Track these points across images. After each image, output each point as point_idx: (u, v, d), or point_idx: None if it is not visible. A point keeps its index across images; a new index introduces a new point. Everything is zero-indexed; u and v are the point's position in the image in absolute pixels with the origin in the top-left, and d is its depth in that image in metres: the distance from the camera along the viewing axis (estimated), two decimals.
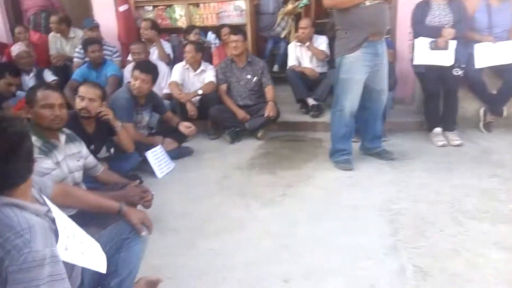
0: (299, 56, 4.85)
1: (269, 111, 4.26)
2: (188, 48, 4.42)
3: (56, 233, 1.37)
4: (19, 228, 1.23)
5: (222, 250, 2.35)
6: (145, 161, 3.54)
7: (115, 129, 3.17)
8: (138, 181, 2.76)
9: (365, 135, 3.66)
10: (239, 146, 4.25)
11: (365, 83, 3.30)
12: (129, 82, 3.71)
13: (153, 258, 2.20)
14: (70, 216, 2.23)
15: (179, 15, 5.60)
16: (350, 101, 3.31)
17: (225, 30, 4.99)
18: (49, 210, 1.42)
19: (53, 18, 5.23)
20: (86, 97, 2.93)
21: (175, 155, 3.88)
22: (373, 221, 2.58)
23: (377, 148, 3.62)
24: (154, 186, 3.01)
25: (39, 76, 4.78)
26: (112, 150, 3.60)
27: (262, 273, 2.12)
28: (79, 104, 2.93)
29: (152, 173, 3.49)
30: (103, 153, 3.32)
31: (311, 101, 4.63)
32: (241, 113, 4.36)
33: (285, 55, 5.47)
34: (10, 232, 1.23)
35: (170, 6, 5.58)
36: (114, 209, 1.87)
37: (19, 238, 1.22)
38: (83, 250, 1.47)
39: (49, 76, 4.93)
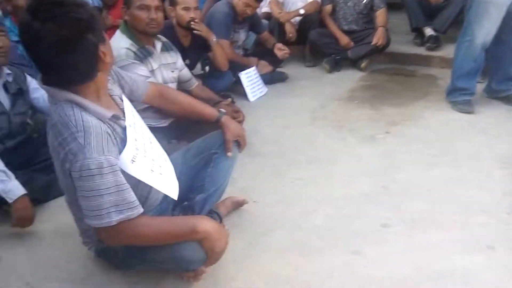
0: None
1: (378, 38, 3.76)
2: None
3: (123, 143, 1.26)
4: (74, 130, 1.15)
5: (311, 181, 2.16)
6: (238, 82, 3.39)
7: (210, 45, 3.00)
8: (230, 99, 2.61)
9: (494, 75, 3.05)
10: (337, 76, 3.88)
11: (508, 9, 2.66)
12: None
13: (240, 180, 2.09)
14: (161, 128, 2.23)
15: None
16: (485, 30, 2.71)
17: None
18: (119, 117, 1.28)
19: None
20: (191, 7, 2.75)
21: (269, 79, 3.66)
22: (494, 175, 2.16)
23: (506, 91, 3.02)
24: (245, 109, 2.84)
25: None
26: (207, 68, 3.49)
27: (355, 213, 1.89)
28: (186, 15, 2.74)
29: (244, 95, 3.33)
30: (197, 70, 3.22)
31: (429, 31, 4.00)
32: (344, 39, 3.92)
33: None
34: (67, 132, 1.15)
35: None
36: (212, 116, 1.69)
37: (74, 141, 1.14)
38: (153, 168, 1.35)
39: None
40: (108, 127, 1.22)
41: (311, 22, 3.99)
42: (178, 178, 1.60)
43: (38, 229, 1.80)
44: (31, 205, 1.77)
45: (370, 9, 3.98)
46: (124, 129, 1.29)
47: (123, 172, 1.21)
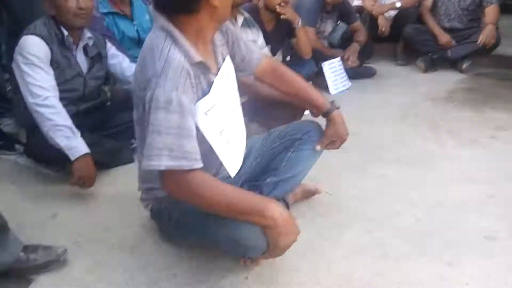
0: None
1: (485, 35, 3.28)
2: None
3: (203, 94, 1.14)
4: (157, 56, 1.08)
5: (399, 180, 1.84)
6: (320, 73, 3.15)
7: (294, 30, 2.81)
8: (310, 82, 2.37)
9: None
10: (433, 76, 3.47)
11: None
12: None
13: (314, 170, 1.83)
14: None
15: None
16: None
17: None
18: (208, 68, 1.17)
19: None
20: None
21: (354, 74, 3.37)
22: None
23: None
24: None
25: None
26: (288, 58, 3.31)
27: (453, 221, 1.55)
28: None
29: (325, 88, 3.08)
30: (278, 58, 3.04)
31: None
32: (444, 37, 3.50)
33: None
34: (150, 57, 1.10)
35: None
36: (324, 107, 1.46)
37: (153, 66, 1.07)
38: (223, 132, 1.20)
39: None
40: (192, 70, 1.11)
41: (407, 17, 3.63)
42: (255, 159, 1.48)
43: (97, 192, 1.72)
44: (94, 166, 1.70)
45: (478, 6, 3.51)
46: (210, 83, 1.17)
47: (199, 135, 1.11)
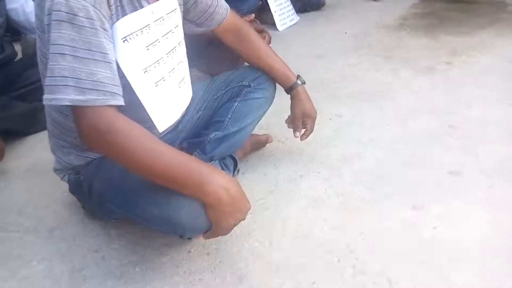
0: None
1: None
2: None
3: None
4: None
5: (355, 118, 1.69)
6: (265, 8, 2.86)
7: None
8: (253, 15, 2.11)
9: None
10: (383, 4, 3.27)
11: None
12: None
13: (265, 117, 1.63)
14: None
15: None
16: None
17: None
18: None
19: None
20: None
21: (301, 6, 3.11)
22: None
23: None
24: (273, 36, 2.36)
25: None
26: None
27: (415, 157, 1.43)
28: None
29: (271, 24, 2.81)
30: None
31: None
32: None
33: None
34: None
35: None
36: (288, 80, 1.27)
37: None
38: (159, 78, 0.96)
39: None
40: None
41: None
42: (196, 112, 1.25)
43: (7, 167, 1.44)
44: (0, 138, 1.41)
45: None
46: (135, 9, 0.90)
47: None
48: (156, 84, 0.96)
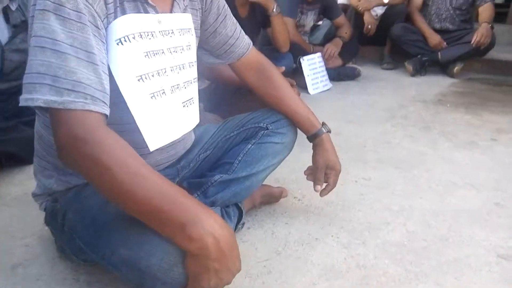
0: None
1: (481, 34, 3.01)
2: None
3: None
4: None
5: (384, 184, 1.49)
6: (298, 71, 2.82)
7: (269, 18, 2.48)
8: (283, 68, 2.03)
9: None
10: (422, 80, 3.19)
11: None
12: None
13: (282, 170, 1.46)
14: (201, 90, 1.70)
15: None
16: None
17: None
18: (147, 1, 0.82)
19: None
20: None
21: (336, 75, 3.07)
22: None
23: None
24: (302, 99, 2.28)
25: None
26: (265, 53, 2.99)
27: (456, 235, 1.20)
28: None
29: (303, 87, 2.75)
30: None
31: None
32: (435, 37, 3.23)
33: None
34: None
35: None
36: (312, 126, 1.15)
37: None
38: (156, 90, 0.84)
39: None
40: None
41: (395, 16, 3.36)
42: (204, 151, 1.11)
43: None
44: None
45: (471, 5, 3.27)
46: (138, 13, 0.81)
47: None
48: (152, 95, 0.84)
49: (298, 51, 2.80)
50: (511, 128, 2.11)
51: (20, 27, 1.64)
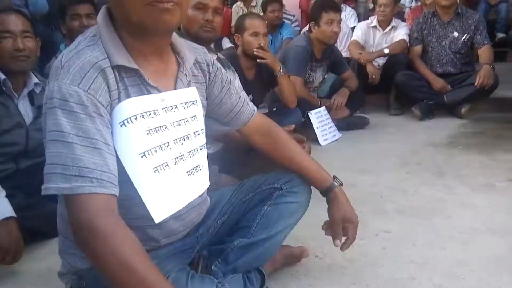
0: None
1: (483, 76, 3.07)
2: None
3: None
4: (70, 48, 0.84)
5: (406, 236, 1.48)
6: (307, 124, 2.89)
7: (276, 78, 2.59)
8: (293, 126, 2.09)
9: None
10: (431, 123, 3.22)
11: None
12: (308, 31, 3.11)
13: (299, 228, 1.47)
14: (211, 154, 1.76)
15: None
16: None
17: None
18: (146, 81, 0.88)
19: None
20: (261, 33, 2.41)
21: (345, 125, 3.12)
22: None
23: None
24: (314, 152, 2.32)
25: (217, 44, 4.71)
26: (274, 109, 3.08)
27: (483, 284, 1.17)
28: (254, 42, 2.39)
29: (313, 140, 2.80)
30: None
31: None
32: (439, 82, 3.30)
33: (508, 20, 4.14)
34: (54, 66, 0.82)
35: None
36: (323, 182, 1.17)
37: (60, 58, 0.82)
38: (160, 164, 0.89)
39: (226, 43, 4.85)
40: (113, 72, 0.83)
41: (397, 65, 3.46)
42: (221, 216, 1.14)
43: (23, 269, 1.35)
44: (20, 235, 1.34)
45: (470, 48, 3.37)
46: (141, 95, 0.88)
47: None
48: (155, 169, 0.88)
49: (306, 105, 2.88)
50: None
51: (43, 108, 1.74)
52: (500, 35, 4.18)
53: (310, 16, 3.06)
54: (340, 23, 2.97)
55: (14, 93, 1.64)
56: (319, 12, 2.91)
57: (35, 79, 1.73)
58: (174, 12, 0.84)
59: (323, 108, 2.95)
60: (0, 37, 1.56)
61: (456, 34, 3.32)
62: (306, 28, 3.32)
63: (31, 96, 1.71)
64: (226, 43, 4.85)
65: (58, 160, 0.75)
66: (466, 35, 3.29)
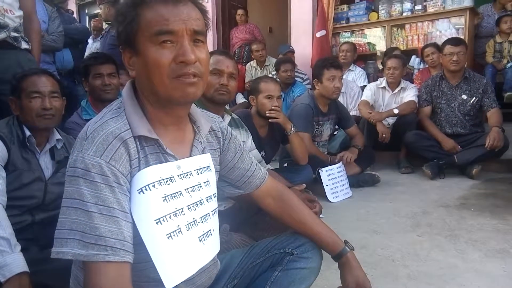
0: None
1: (493, 138, 3.10)
2: (391, 62, 3.68)
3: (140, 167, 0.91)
4: (95, 119, 0.91)
5: None
6: (318, 181, 2.92)
7: (288, 136, 2.67)
8: (304, 185, 2.12)
9: None
10: (442, 183, 3.21)
11: None
12: (311, 89, 3.24)
13: None
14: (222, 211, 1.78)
15: (379, 38, 5.01)
16: None
17: (430, 49, 4.15)
18: (165, 150, 0.95)
19: (258, 46, 5.34)
20: (274, 96, 2.55)
21: (356, 182, 3.14)
22: None
23: None
24: (324, 208, 2.34)
25: None
26: (285, 165, 3.13)
27: None
28: (268, 104, 2.55)
29: (324, 196, 2.82)
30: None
31: None
32: (449, 142, 3.34)
33: None
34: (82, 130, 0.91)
35: (369, 30, 5.07)
36: (335, 247, 1.18)
37: (85, 129, 0.89)
38: (173, 230, 0.92)
39: (240, 99, 5.03)
40: (134, 142, 0.89)
41: (406, 124, 3.53)
42: (231, 280, 1.15)
43: None
44: None
45: (478, 111, 3.43)
46: (160, 163, 0.94)
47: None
48: (169, 235, 0.91)
49: (316, 162, 2.93)
50: None
51: (63, 162, 1.81)
52: (508, 93, 4.26)
53: (313, 74, 3.19)
54: (341, 79, 3.09)
55: (37, 148, 1.71)
56: (321, 70, 3.05)
57: (57, 135, 1.81)
58: (198, 85, 0.92)
59: (338, 165, 2.99)
60: (30, 97, 1.66)
61: (464, 96, 3.40)
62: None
63: (52, 151, 1.79)
64: (240, 99, 5.02)
65: (77, 227, 0.79)
66: (474, 98, 3.37)
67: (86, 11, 8.17)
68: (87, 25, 7.29)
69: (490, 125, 3.25)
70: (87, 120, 2.34)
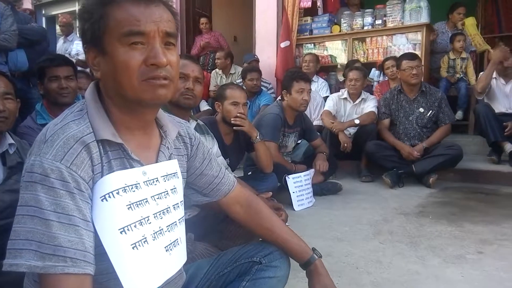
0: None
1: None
2: (353, 74, 3.78)
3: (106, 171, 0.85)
4: (55, 121, 0.84)
5: None
6: (283, 189, 2.92)
7: (253, 144, 2.66)
8: (270, 193, 2.11)
9: None
10: (401, 191, 3.32)
11: None
12: (280, 99, 3.25)
13: None
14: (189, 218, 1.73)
15: (341, 50, 5.14)
16: None
17: (390, 62, 4.30)
18: (130, 155, 0.89)
19: (220, 54, 5.34)
20: (240, 103, 2.53)
21: (319, 190, 3.18)
22: None
23: None
24: (289, 217, 2.33)
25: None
26: (249, 173, 3.11)
27: None
28: (234, 111, 2.52)
29: (288, 204, 2.82)
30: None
31: (509, 147, 3.45)
32: (405, 148, 3.47)
33: (468, 97, 4.49)
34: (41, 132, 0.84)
35: (331, 42, 5.19)
36: (303, 255, 1.17)
37: (44, 132, 0.82)
38: (139, 239, 0.87)
39: (204, 106, 4.97)
40: (97, 146, 0.83)
41: (367, 134, 3.63)
42: None
43: None
44: None
45: (434, 123, 3.59)
46: (124, 168, 0.88)
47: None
48: (134, 245, 0.85)
49: (281, 170, 2.93)
50: (494, 239, 2.17)
51: (15, 168, 1.69)
52: (459, 114, 4.58)
53: (282, 85, 3.22)
54: (309, 92, 3.12)
55: None
56: (290, 81, 3.08)
57: (10, 140, 1.70)
58: (169, 87, 0.88)
59: (304, 173, 3.00)
60: None
61: (422, 110, 3.54)
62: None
63: (3, 156, 1.67)
64: (204, 106, 4.97)
65: (33, 237, 0.72)
66: (431, 111, 3.52)
67: (43, 12, 7.83)
68: (44, 26, 7.00)
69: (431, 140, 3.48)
70: (42, 125, 2.25)
